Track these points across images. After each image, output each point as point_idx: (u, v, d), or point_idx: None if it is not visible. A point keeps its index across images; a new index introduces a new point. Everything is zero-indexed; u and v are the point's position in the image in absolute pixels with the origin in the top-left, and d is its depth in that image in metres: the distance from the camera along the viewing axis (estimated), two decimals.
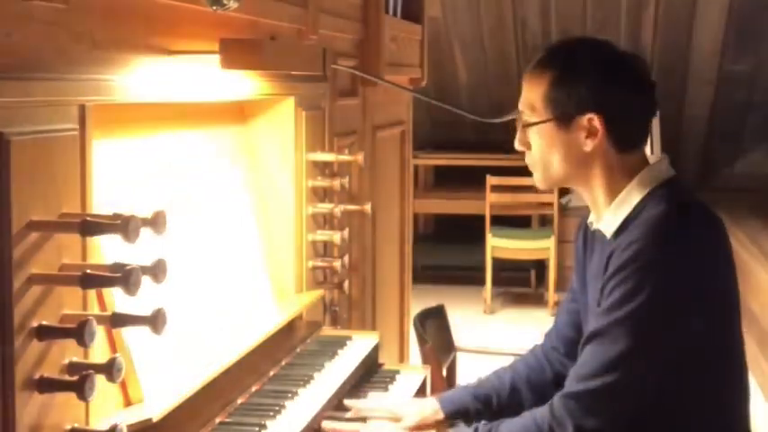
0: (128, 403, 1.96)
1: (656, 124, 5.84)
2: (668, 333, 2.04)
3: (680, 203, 2.13)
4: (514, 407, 2.38)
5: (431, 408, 2.40)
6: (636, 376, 2.06)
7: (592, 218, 2.27)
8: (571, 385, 2.11)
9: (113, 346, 1.94)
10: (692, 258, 2.06)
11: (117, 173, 2.10)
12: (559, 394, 2.12)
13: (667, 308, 2.04)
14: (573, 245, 2.45)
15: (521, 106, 2.22)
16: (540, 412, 2.14)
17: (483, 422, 2.24)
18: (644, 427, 2.10)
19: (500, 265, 8.10)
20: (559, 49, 2.25)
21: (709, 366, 2.12)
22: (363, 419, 2.42)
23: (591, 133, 2.14)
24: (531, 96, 2.19)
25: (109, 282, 1.65)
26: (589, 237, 2.31)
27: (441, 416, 2.38)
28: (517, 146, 2.24)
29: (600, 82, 2.14)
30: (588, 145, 2.14)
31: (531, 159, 2.22)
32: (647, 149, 5.12)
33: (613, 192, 2.17)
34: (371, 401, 2.51)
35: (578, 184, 2.23)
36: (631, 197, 2.15)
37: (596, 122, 2.13)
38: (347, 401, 2.48)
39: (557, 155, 2.17)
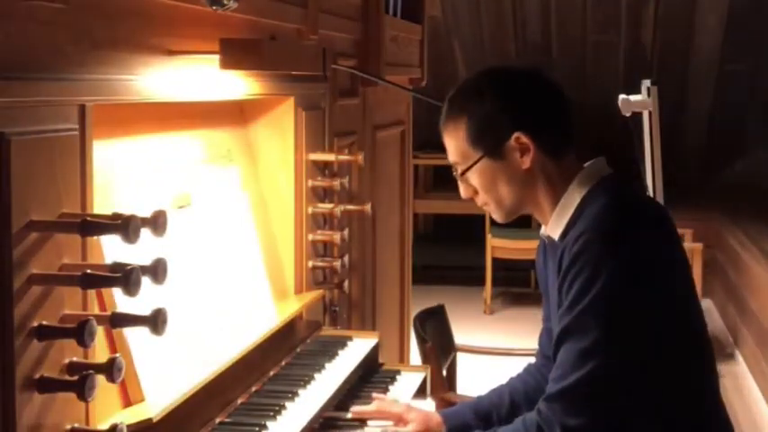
0: (128, 403, 1.96)
1: (655, 124, 5.84)
2: (631, 314, 2.06)
3: (619, 194, 2.18)
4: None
5: (435, 421, 2.41)
6: (610, 363, 2.06)
7: (542, 230, 2.31)
8: (552, 387, 2.11)
9: (113, 346, 1.94)
10: (638, 239, 2.10)
11: (117, 173, 2.10)
12: (543, 398, 2.13)
13: (625, 290, 2.06)
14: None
15: (451, 159, 2.28)
16: (529, 417, 2.16)
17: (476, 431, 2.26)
18: (627, 419, 2.10)
19: (500, 265, 8.10)
20: (460, 92, 2.30)
21: (677, 344, 2.13)
22: (364, 421, 2.42)
23: (523, 150, 2.19)
24: (456, 145, 2.25)
25: (109, 282, 1.65)
26: (547, 251, 2.33)
27: (443, 430, 2.39)
28: (464, 195, 2.29)
29: (509, 101, 2.21)
30: (526, 162, 2.19)
31: (483, 200, 2.27)
32: (647, 150, 5.09)
33: (557, 199, 2.22)
34: (376, 404, 2.49)
35: (529, 205, 2.27)
36: (572, 198, 2.19)
37: (524, 139, 2.18)
38: (354, 408, 2.46)
39: (502, 185, 2.22)
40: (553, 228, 2.22)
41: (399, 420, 2.40)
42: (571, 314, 2.07)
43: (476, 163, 2.22)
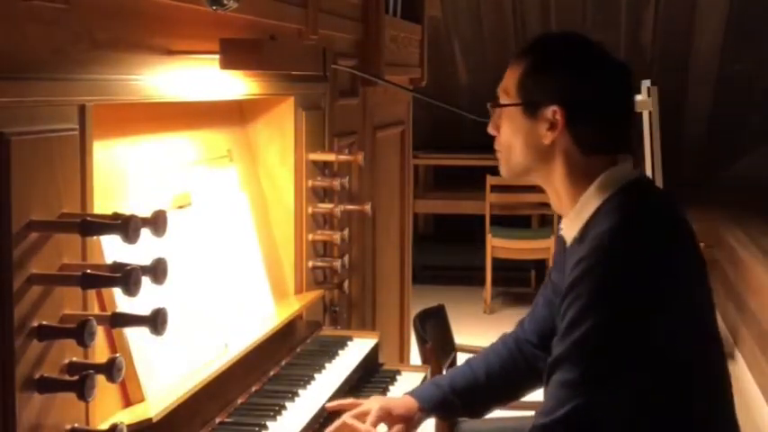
0: (128, 403, 1.96)
1: (655, 124, 5.84)
2: (621, 350, 1.98)
3: (632, 216, 2.07)
4: (490, 401, 2.44)
5: (408, 405, 2.36)
6: (598, 400, 1.99)
7: (561, 223, 2.24)
8: (539, 419, 2.04)
9: (113, 346, 1.94)
10: (639, 274, 2.00)
11: (117, 173, 2.10)
12: (529, 429, 2.05)
13: (616, 327, 1.98)
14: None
15: (498, 91, 2.23)
16: None
17: None
18: None
19: (500, 265, 8.10)
20: (543, 40, 2.27)
21: (678, 382, 2.04)
22: None
23: (552, 126, 2.13)
24: (508, 81, 2.20)
25: (109, 282, 1.65)
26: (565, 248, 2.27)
27: (419, 414, 2.36)
28: (489, 129, 2.25)
29: (572, 77, 2.14)
30: (548, 137, 2.13)
31: (499, 145, 2.23)
32: (647, 150, 5.06)
33: (574, 195, 2.15)
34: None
35: (539, 180, 2.22)
36: (589, 203, 2.12)
37: (558, 116, 2.11)
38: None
39: (519, 142, 2.17)
40: (568, 228, 2.16)
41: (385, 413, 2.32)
42: (564, 343, 2.01)
43: (509, 105, 2.18)
